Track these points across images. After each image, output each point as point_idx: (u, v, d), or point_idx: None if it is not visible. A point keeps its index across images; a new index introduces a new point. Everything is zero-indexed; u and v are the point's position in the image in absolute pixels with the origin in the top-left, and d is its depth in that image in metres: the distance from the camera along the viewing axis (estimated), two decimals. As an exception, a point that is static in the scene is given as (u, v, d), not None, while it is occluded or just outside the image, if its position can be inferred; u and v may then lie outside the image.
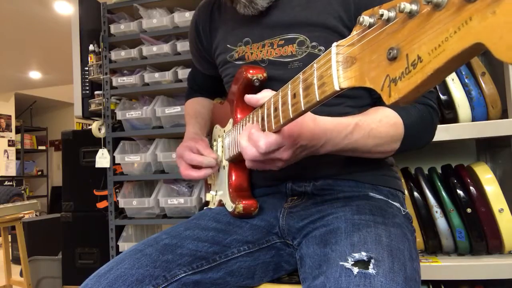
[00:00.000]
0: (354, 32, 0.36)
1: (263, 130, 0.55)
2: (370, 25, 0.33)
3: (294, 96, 0.46)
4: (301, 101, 0.44)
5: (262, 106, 0.57)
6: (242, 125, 0.65)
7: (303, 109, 0.44)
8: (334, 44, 0.39)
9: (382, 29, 0.32)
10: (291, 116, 0.46)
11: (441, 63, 0.26)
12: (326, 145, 0.57)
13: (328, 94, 0.39)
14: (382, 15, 0.31)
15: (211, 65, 0.91)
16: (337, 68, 0.38)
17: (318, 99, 0.41)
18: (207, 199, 0.90)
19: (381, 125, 0.60)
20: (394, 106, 0.64)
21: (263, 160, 0.55)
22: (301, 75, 0.45)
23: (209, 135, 0.96)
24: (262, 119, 0.55)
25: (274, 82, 0.70)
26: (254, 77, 0.69)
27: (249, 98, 0.60)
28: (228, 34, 0.80)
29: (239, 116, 0.73)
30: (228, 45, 0.79)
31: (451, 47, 0.25)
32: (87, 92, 1.92)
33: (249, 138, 0.55)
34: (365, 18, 0.34)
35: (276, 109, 0.50)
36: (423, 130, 0.66)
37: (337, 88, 0.37)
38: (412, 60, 0.28)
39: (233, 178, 0.74)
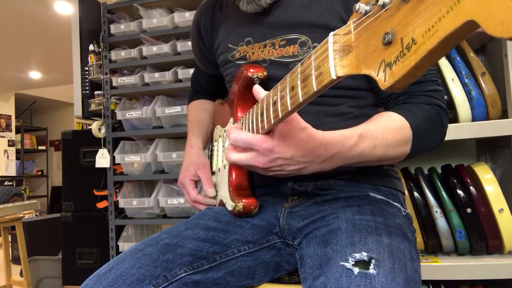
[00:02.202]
0: (350, 21, 0.36)
1: (263, 124, 0.55)
2: (366, 12, 0.34)
3: (293, 88, 0.46)
4: (299, 93, 0.44)
5: (261, 101, 0.57)
6: (242, 123, 0.65)
7: (301, 101, 0.44)
8: (331, 33, 0.39)
9: (377, 15, 0.32)
10: (290, 109, 0.46)
11: (434, 43, 0.26)
12: (330, 160, 0.56)
13: (325, 84, 0.39)
14: (377, 0, 0.31)
15: (213, 65, 0.92)
16: (334, 57, 0.38)
17: (315, 89, 0.41)
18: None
19: (386, 131, 0.59)
20: (400, 109, 0.63)
21: (237, 161, 0.57)
22: (299, 67, 0.46)
23: (210, 136, 0.97)
24: (262, 114, 0.55)
25: (275, 82, 0.69)
26: (255, 76, 0.69)
27: (257, 90, 0.60)
28: (230, 34, 0.80)
29: (239, 114, 0.73)
30: (229, 45, 0.79)
31: (444, 27, 0.25)
32: (87, 92, 1.92)
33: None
34: (361, 6, 0.34)
35: (275, 103, 0.50)
36: (432, 130, 0.64)
37: (333, 77, 0.37)
38: (407, 43, 0.28)
39: (233, 177, 0.74)
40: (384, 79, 0.31)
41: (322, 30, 0.69)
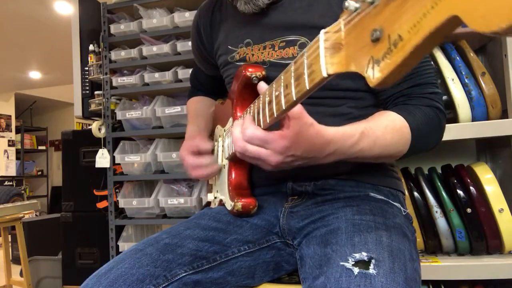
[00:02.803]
0: (341, 18, 0.37)
1: (259, 124, 0.55)
2: (356, 9, 0.34)
3: (287, 87, 0.46)
4: (292, 91, 0.44)
5: (258, 100, 0.57)
6: None
7: (294, 99, 0.44)
8: (322, 31, 0.39)
9: (366, 12, 0.32)
10: (284, 108, 0.46)
11: (420, 39, 0.26)
12: (330, 156, 0.56)
13: (317, 82, 0.39)
14: None
15: (212, 66, 0.92)
16: (325, 54, 0.38)
17: (308, 88, 0.41)
18: (208, 199, 0.90)
19: (386, 131, 0.59)
20: (400, 110, 0.63)
21: (249, 155, 0.56)
22: (292, 66, 0.46)
23: (211, 135, 0.97)
24: (258, 113, 0.55)
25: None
26: (253, 75, 0.69)
27: (262, 86, 0.59)
28: (229, 36, 0.80)
29: (238, 114, 0.73)
30: (229, 47, 0.79)
31: (428, 23, 0.25)
32: (87, 92, 1.92)
33: (241, 127, 0.57)
34: (351, 3, 0.34)
35: (270, 102, 0.51)
36: (430, 132, 0.65)
37: (324, 75, 0.37)
38: (394, 40, 0.29)
39: (233, 176, 0.74)
40: (372, 76, 0.31)
41: None
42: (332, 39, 0.37)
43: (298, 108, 0.50)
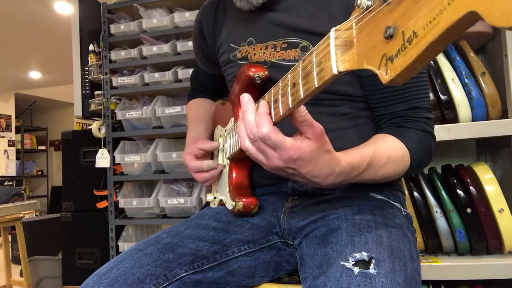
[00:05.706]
0: (352, 16, 0.37)
1: None
2: (368, 7, 0.34)
3: (294, 85, 0.46)
4: (300, 90, 0.44)
5: (263, 99, 0.57)
6: None
7: (302, 97, 0.44)
8: (333, 29, 0.39)
9: (379, 9, 0.32)
10: (290, 106, 0.46)
11: (436, 36, 0.26)
12: (331, 183, 0.55)
13: (326, 79, 0.39)
14: None
15: (214, 65, 0.92)
16: (335, 52, 0.38)
17: (317, 85, 0.41)
18: (208, 199, 0.90)
19: (389, 160, 0.60)
20: (398, 134, 0.64)
21: (256, 150, 0.53)
22: (300, 63, 0.46)
23: (211, 136, 0.97)
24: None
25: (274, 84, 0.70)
26: (256, 75, 0.69)
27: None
28: (232, 34, 0.80)
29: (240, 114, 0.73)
30: (231, 45, 0.79)
31: (445, 19, 0.25)
32: (87, 92, 1.92)
33: (257, 116, 0.52)
34: (363, 1, 0.34)
35: (276, 101, 0.51)
36: (424, 158, 0.67)
37: (335, 72, 0.38)
38: (408, 37, 0.28)
39: (234, 176, 0.74)
40: (385, 73, 0.31)
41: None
42: (343, 37, 0.37)
43: (321, 129, 0.49)
